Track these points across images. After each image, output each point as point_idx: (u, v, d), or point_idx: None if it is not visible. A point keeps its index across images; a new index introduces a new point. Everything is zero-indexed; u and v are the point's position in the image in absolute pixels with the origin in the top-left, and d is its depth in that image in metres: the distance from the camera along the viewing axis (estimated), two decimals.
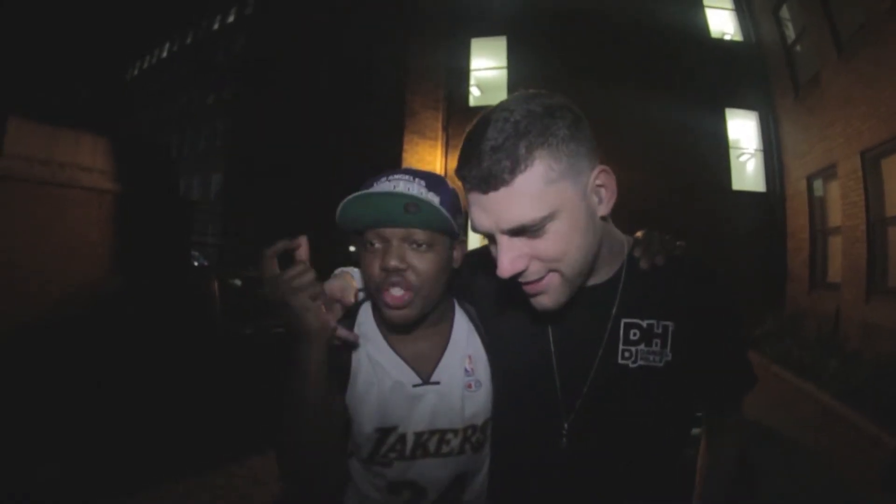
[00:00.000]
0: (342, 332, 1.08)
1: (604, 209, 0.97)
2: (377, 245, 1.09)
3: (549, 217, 0.89)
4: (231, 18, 33.39)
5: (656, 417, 1.04)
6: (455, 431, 1.16)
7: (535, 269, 0.94)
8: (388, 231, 1.07)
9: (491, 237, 0.95)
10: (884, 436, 4.33)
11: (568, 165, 0.89)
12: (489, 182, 0.87)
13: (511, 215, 0.88)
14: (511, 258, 0.92)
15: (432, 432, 1.15)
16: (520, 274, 0.94)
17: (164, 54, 39.76)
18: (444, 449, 1.16)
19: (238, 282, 5.47)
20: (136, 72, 42.03)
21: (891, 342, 6.33)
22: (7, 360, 3.92)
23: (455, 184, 1.11)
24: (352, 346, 1.16)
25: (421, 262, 1.08)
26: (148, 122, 36.05)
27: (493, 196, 0.88)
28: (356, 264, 1.24)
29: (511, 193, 0.87)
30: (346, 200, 1.03)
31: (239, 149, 19.56)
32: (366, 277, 1.12)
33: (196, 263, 18.07)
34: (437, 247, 1.10)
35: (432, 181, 1.10)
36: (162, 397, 4.07)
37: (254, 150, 16.39)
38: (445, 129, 12.84)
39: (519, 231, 0.90)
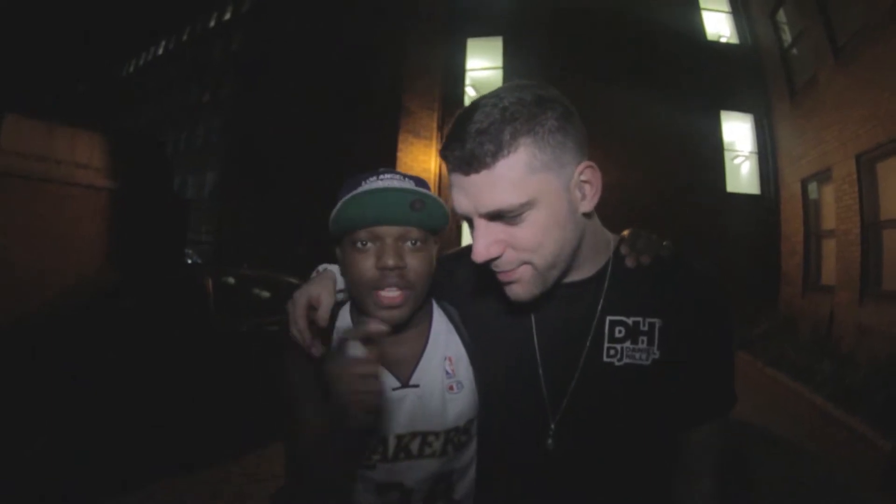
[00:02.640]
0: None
1: (587, 205, 0.96)
2: (369, 244, 1.07)
3: (528, 205, 0.88)
4: (227, 16, 33.34)
5: (644, 416, 1.02)
6: (437, 434, 1.14)
7: (508, 259, 0.93)
8: (382, 229, 1.05)
9: (470, 221, 0.94)
10: (878, 437, 4.35)
11: (553, 157, 0.89)
12: (471, 164, 0.87)
13: (490, 199, 0.88)
14: (486, 243, 0.91)
15: (413, 434, 1.14)
16: (493, 261, 0.93)
17: (160, 51, 39.64)
18: (427, 451, 1.14)
19: (232, 280, 5.45)
20: (132, 69, 41.93)
21: (884, 345, 6.36)
22: (2, 356, 3.90)
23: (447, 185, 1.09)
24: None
25: (416, 261, 1.07)
26: (144, 119, 35.94)
27: (475, 178, 0.88)
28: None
29: (491, 177, 0.87)
30: (348, 197, 1.02)
31: (234, 147, 19.55)
32: (356, 277, 1.09)
33: (190, 261, 18.04)
34: (429, 244, 1.10)
35: (419, 181, 1.11)
36: (158, 394, 4.05)
37: (249, 148, 16.39)
38: (440, 128, 12.86)
39: (496, 216, 0.90)
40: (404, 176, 1.10)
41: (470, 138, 0.87)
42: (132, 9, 39.07)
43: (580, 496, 1.04)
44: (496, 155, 0.86)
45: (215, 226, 21.68)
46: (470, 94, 13.41)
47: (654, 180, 11.26)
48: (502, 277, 0.96)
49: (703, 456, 1.06)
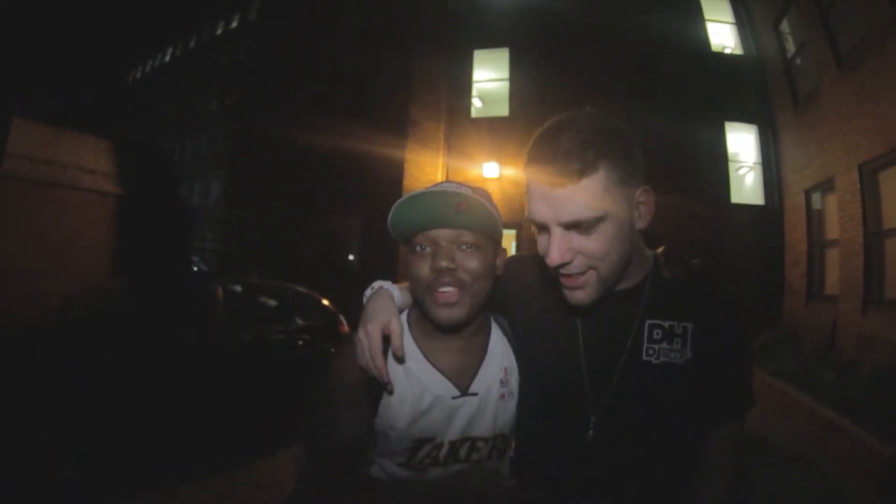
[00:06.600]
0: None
1: (642, 223, 1.11)
2: (427, 249, 1.16)
3: (601, 218, 1.02)
4: (234, 24, 33.51)
5: (678, 411, 1.12)
6: (486, 440, 1.22)
7: (577, 264, 1.06)
8: (437, 233, 1.15)
9: (544, 228, 1.07)
10: (879, 446, 4.36)
11: (623, 179, 1.03)
12: (558, 180, 1.00)
13: (570, 210, 1.01)
14: (561, 249, 1.03)
15: (464, 440, 1.21)
16: (564, 266, 1.06)
17: (167, 59, 39.83)
18: (474, 456, 1.22)
19: (239, 288, 5.47)
20: (138, 75, 42.11)
21: (887, 354, 6.37)
22: (7, 361, 3.88)
23: None
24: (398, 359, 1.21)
25: (469, 262, 1.15)
26: (150, 126, 36.06)
27: (559, 192, 1.01)
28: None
29: (575, 191, 1.00)
30: (399, 202, 1.12)
31: (240, 155, 19.58)
32: (415, 279, 1.18)
33: (195, 269, 18.09)
34: (484, 248, 1.18)
35: (476, 190, 1.19)
36: (163, 401, 4.05)
37: (255, 156, 16.41)
38: (447, 139, 12.88)
39: (574, 225, 1.02)
40: (460, 185, 1.18)
41: (560, 157, 1.00)
42: (139, 16, 39.25)
43: (617, 486, 1.13)
44: (582, 173, 0.99)
45: (221, 233, 21.71)
46: (476, 105, 13.46)
47: (659, 191, 11.19)
48: (568, 283, 1.09)
49: (723, 453, 1.18)
